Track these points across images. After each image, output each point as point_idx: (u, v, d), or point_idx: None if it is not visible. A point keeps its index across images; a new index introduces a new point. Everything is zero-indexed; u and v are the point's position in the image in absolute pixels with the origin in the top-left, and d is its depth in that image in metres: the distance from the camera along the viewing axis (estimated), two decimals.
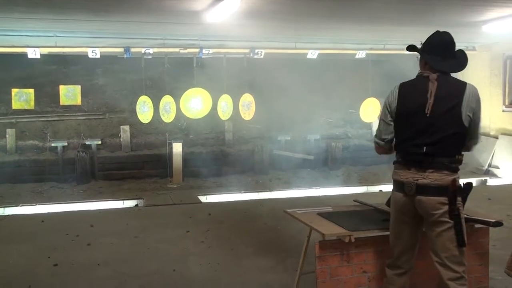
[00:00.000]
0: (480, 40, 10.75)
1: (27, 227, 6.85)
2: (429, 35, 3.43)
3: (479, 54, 11.48)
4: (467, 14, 7.54)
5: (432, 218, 3.25)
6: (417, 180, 3.26)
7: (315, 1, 6.59)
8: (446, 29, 3.45)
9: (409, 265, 3.48)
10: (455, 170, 3.28)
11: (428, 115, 3.24)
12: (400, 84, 3.46)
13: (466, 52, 3.56)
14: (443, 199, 3.21)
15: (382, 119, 3.50)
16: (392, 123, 3.43)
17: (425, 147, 3.26)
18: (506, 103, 11.21)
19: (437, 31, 3.44)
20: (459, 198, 3.23)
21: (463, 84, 3.30)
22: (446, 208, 3.20)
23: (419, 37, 3.51)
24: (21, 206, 8.72)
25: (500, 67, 11.22)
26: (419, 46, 3.49)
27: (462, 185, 3.29)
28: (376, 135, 3.54)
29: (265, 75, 10.88)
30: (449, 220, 3.20)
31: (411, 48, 3.53)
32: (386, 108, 3.46)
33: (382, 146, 3.50)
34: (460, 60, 3.45)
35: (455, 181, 3.22)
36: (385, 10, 7.19)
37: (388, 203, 3.99)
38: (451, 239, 3.21)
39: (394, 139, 3.47)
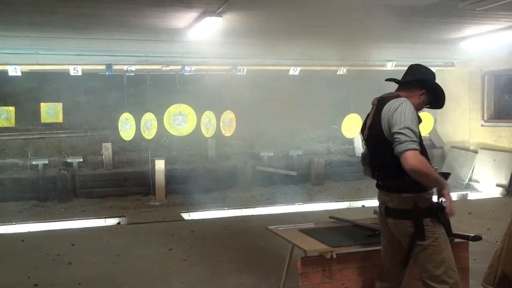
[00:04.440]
0: (458, 56, 10.93)
1: (6, 246, 6.75)
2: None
3: (458, 70, 11.65)
4: (445, 31, 7.68)
5: (404, 240, 3.22)
6: (385, 203, 3.26)
7: (293, 19, 6.65)
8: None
9: (397, 281, 3.46)
10: (416, 191, 3.11)
11: (367, 140, 3.37)
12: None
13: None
14: (408, 221, 3.14)
15: None
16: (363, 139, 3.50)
17: (376, 172, 3.34)
18: (485, 118, 11.38)
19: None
20: (427, 220, 3.13)
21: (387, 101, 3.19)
22: (413, 230, 3.13)
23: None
24: (0, 225, 8.58)
25: (478, 83, 11.38)
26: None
27: (432, 204, 3.18)
28: None
29: (247, 92, 10.93)
30: (422, 243, 3.13)
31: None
32: None
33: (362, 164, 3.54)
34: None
35: (417, 205, 3.11)
36: (362, 28, 7.27)
37: None
38: (427, 260, 3.15)
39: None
